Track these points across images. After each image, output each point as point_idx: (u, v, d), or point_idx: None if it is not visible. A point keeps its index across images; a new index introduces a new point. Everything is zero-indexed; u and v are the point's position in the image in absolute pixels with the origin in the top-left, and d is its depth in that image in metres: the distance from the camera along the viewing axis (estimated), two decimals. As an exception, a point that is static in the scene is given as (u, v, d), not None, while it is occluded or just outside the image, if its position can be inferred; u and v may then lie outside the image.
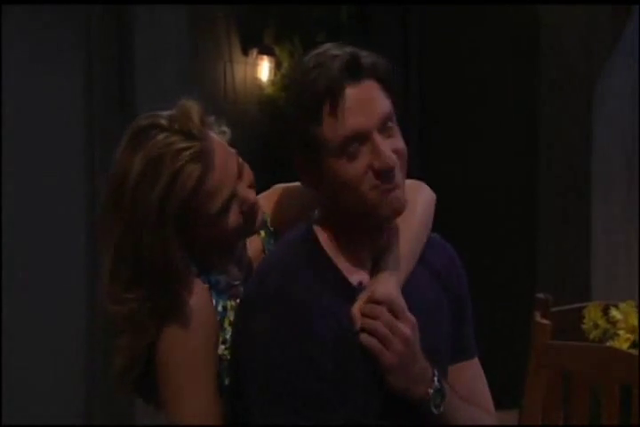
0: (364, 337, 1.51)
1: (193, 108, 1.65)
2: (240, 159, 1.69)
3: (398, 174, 1.57)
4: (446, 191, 4.67)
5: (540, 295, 3.09)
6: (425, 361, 1.55)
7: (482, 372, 1.75)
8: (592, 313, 2.90)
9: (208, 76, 4.44)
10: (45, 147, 3.91)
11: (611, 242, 4.05)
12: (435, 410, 1.55)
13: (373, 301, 1.52)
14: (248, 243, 1.79)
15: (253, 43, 4.61)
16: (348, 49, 1.59)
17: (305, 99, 1.56)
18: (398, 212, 1.59)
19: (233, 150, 1.68)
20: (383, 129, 1.57)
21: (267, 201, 1.80)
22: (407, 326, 1.52)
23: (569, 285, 3.99)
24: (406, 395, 1.54)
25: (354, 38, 4.69)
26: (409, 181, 1.74)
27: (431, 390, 1.55)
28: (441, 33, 4.88)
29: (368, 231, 1.62)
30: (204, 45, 4.41)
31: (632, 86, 4.06)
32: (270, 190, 1.84)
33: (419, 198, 1.73)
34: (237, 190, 1.65)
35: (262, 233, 1.80)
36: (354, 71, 1.56)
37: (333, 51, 1.58)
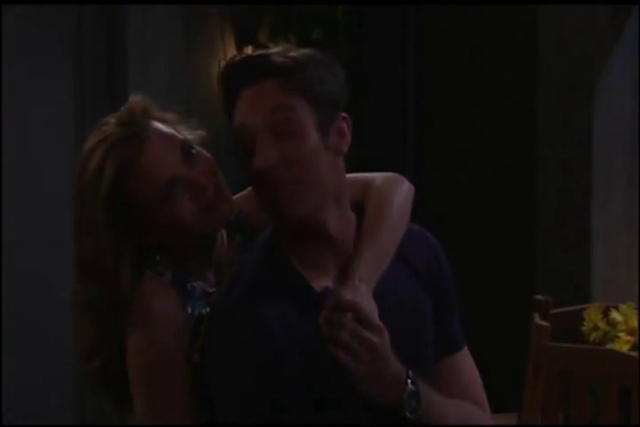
0: (330, 347, 1.48)
1: (137, 101, 1.71)
2: (194, 147, 1.70)
3: (285, 185, 1.54)
4: (444, 191, 4.70)
5: (540, 297, 3.10)
6: (398, 365, 1.52)
7: (472, 363, 1.72)
8: (592, 315, 2.91)
9: (202, 75, 4.44)
10: (34, 146, 3.92)
11: (611, 243, 4.05)
12: (409, 415, 1.52)
13: (338, 308, 1.47)
14: (225, 249, 1.78)
15: (248, 40, 4.60)
16: (249, 52, 1.64)
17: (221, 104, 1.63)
18: (279, 218, 1.57)
19: (179, 138, 1.69)
20: (273, 128, 1.56)
21: (244, 201, 1.79)
22: (375, 334, 1.47)
23: (569, 286, 4.00)
24: (379, 402, 1.52)
25: (350, 35, 4.70)
26: (387, 175, 1.75)
27: (405, 395, 1.51)
28: (439, 31, 4.89)
29: (315, 237, 1.61)
30: (197, 43, 4.42)
31: (633, 86, 4.07)
32: (245, 191, 1.82)
33: (394, 192, 1.71)
34: (181, 176, 1.65)
35: (239, 236, 1.80)
36: (246, 74, 1.58)
37: (230, 60, 1.63)
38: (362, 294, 1.52)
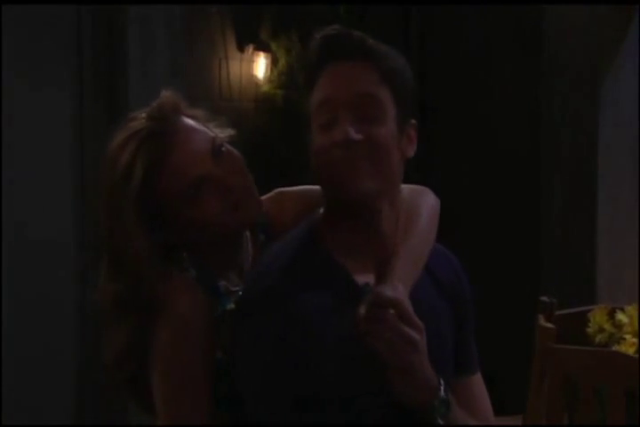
0: (369, 341, 1.49)
1: (168, 97, 1.70)
2: (225, 145, 1.70)
3: (360, 160, 1.56)
4: (447, 191, 4.67)
5: (544, 298, 3.09)
6: (431, 369, 1.53)
7: (484, 388, 1.74)
8: (597, 317, 2.90)
9: (202, 74, 4.44)
10: (32, 147, 3.92)
11: (616, 244, 4.05)
12: (440, 420, 1.53)
13: (379, 304, 1.48)
14: (250, 250, 1.78)
15: (249, 39, 4.60)
16: (349, 30, 1.63)
17: (302, 72, 1.63)
18: (355, 197, 1.57)
19: (210, 135, 1.69)
20: (357, 109, 1.57)
21: (269, 204, 1.79)
22: (415, 331, 1.49)
23: (574, 287, 4.00)
24: (411, 402, 1.52)
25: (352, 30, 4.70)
26: (413, 187, 1.75)
27: (436, 399, 1.53)
28: (442, 27, 4.89)
29: (364, 227, 1.60)
30: (198, 42, 4.41)
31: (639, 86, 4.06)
32: (271, 194, 1.83)
33: (423, 203, 1.72)
34: (211, 173, 1.65)
35: (262, 237, 1.80)
36: (342, 49, 1.60)
37: (329, 31, 1.63)
38: (401, 293, 1.52)
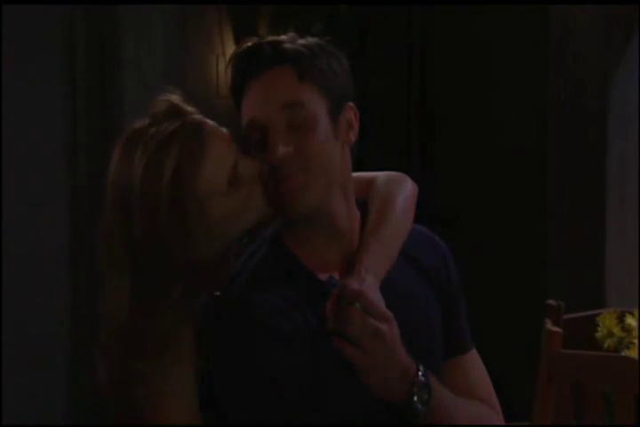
0: (335, 338, 1.50)
1: (171, 96, 1.67)
2: None
3: (297, 174, 1.58)
4: (452, 192, 4.70)
5: (552, 302, 3.11)
6: (407, 357, 1.53)
7: (481, 365, 1.75)
8: (606, 321, 2.91)
9: (198, 71, 4.45)
10: (24, 146, 3.93)
11: (626, 246, 4.06)
12: (420, 407, 1.53)
13: (345, 298, 1.50)
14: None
15: (247, 34, 4.60)
16: (262, 39, 1.64)
17: (230, 93, 1.66)
18: (290, 210, 1.59)
19: None
20: (284, 120, 1.59)
21: None
22: (383, 324, 1.49)
23: (582, 290, 4.01)
24: (388, 396, 1.53)
25: (353, 28, 4.71)
26: (390, 173, 1.78)
27: (415, 387, 1.53)
28: (445, 23, 4.90)
29: (322, 225, 1.64)
30: (193, 37, 4.43)
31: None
32: None
33: (398, 190, 1.74)
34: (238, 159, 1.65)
35: (244, 238, 1.81)
36: (257, 62, 1.61)
37: (241, 48, 1.65)
38: (368, 285, 1.54)
